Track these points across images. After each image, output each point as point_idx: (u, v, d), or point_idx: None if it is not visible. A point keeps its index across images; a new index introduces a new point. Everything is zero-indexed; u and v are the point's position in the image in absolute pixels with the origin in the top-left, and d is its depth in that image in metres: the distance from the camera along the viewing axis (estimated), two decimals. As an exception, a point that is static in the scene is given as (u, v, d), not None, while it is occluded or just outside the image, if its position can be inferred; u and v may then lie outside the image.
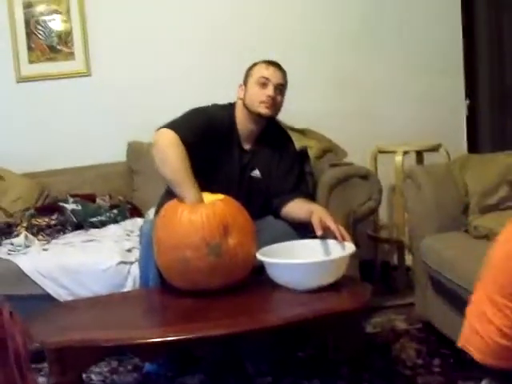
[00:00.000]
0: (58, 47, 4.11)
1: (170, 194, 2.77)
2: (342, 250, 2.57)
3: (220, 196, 2.65)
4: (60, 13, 4.10)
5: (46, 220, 3.52)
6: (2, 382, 1.33)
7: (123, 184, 4.01)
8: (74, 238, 3.45)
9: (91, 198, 3.77)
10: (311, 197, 3.16)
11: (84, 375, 2.59)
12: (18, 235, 3.38)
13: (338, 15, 4.30)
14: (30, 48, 4.08)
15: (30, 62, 4.09)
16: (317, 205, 2.94)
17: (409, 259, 3.79)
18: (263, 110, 2.92)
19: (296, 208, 2.90)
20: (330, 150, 3.78)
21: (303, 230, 2.79)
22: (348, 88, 4.31)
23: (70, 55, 4.12)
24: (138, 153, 3.99)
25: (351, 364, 2.57)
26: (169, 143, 2.70)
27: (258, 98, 2.91)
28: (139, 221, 3.58)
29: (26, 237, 3.36)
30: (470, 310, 1.75)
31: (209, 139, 2.84)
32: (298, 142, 3.35)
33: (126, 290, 3.01)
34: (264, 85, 2.92)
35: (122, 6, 4.14)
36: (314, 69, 4.24)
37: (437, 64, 4.35)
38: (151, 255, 2.64)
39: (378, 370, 2.85)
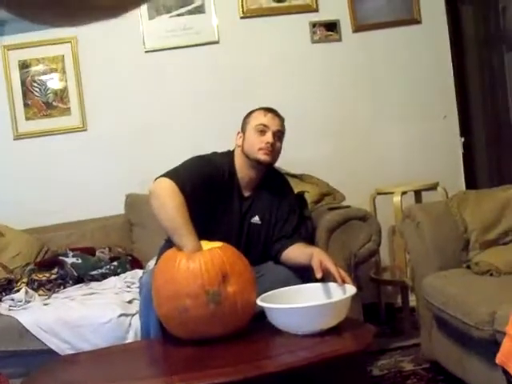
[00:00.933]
0: (54, 103, 4.16)
1: (169, 244, 2.76)
2: (342, 292, 2.55)
3: (218, 243, 2.64)
4: (55, 70, 4.16)
5: (47, 275, 3.51)
6: None
7: (122, 236, 4.01)
8: (75, 291, 3.43)
9: (91, 252, 3.77)
10: (311, 241, 3.15)
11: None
12: (18, 291, 3.36)
13: (332, 64, 4.37)
14: (26, 105, 4.13)
15: (27, 118, 4.14)
16: (317, 248, 2.92)
17: (413, 300, 3.77)
18: (262, 156, 2.93)
19: (296, 252, 2.89)
20: (327, 193, 3.79)
21: (304, 274, 2.77)
22: (344, 132, 4.35)
23: (66, 111, 4.17)
24: (136, 205, 4.00)
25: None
26: (166, 192, 2.69)
27: (257, 144, 2.92)
28: (140, 272, 3.57)
29: (27, 292, 3.34)
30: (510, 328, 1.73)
31: (209, 187, 2.84)
32: (296, 188, 3.36)
33: (127, 342, 2.97)
34: (263, 132, 2.94)
35: (115, 63, 4.21)
36: (309, 114, 4.28)
37: (430, 105, 4.39)
38: (151, 305, 2.62)
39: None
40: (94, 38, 4.14)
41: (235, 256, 2.59)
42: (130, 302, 3.17)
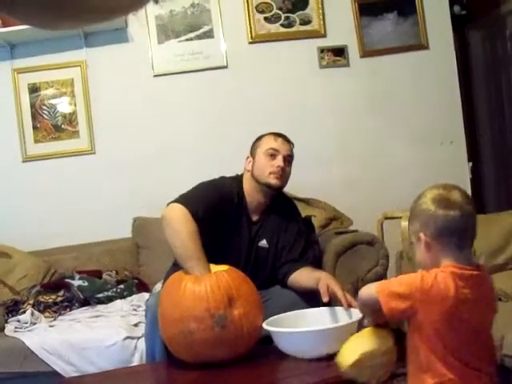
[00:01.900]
0: (63, 126, 4.18)
1: (176, 268, 2.75)
2: (349, 316, 2.53)
3: (224, 266, 2.64)
4: (65, 94, 4.19)
5: (53, 297, 3.50)
6: None
7: (129, 259, 4.00)
8: (81, 314, 3.42)
9: (97, 274, 3.76)
10: (318, 265, 3.14)
11: None
12: (24, 312, 3.35)
13: (340, 89, 4.39)
14: (35, 128, 4.16)
15: (36, 141, 4.15)
16: (324, 272, 2.91)
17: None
18: (273, 180, 2.93)
19: (303, 276, 2.88)
20: (335, 218, 3.79)
21: (311, 298, 2.76)
22: (351, 157, 4.36)
23: (75, 134, 4.19)
24: (144, 228, 4.00)
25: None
26: (178, 218, 2.69)
27: (268, 169, 2.94)
28: (146, 295, 3.56)
29: (33, 314, 3.34)
30: None
31: (219, 213, 2.84)
32: (303, 212, 3.36)
33: (133, 364, 2.96)
34: (273, 156, 2.95)
35: (124, 87, 4.24)
36: (317, 138, 4.29)
37: (438, 130, 4.39)
38: (157, 328, 2.61)
39: None
40: (104, 62, 4.19)
41: (241, 279, 2.58)
42: (135, 325, 3.17)
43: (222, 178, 3.05)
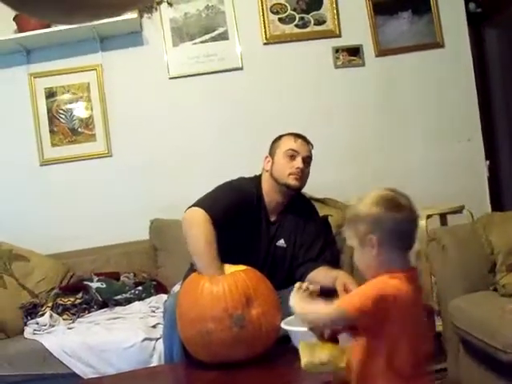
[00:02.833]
0: (80, 130, 4.20)
1: (194, 269, 2.76)
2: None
3: (242, 267, 2.64)
4: (81, 97, 4.21)
5: (71, 299, 3.52)
6: None
7: (147, 261, 4.01)
8: (99, 316, 3.44)
9: (115, 277, 3.78)
10: (336, 265, 3.13)
11: None
12: (43, 315, 3.37)
13: (356, 88, 4.38)
14: (52, 131, 4.18)
15: (53, 145, 4.18)
16: (341, 271, 2.90)
17: (439, 324, 3.71)
18: (292, 181, 2.94)
19: (321, 275, 2.87)
20: (352, 217, 3.77)
21: (328, 297, 2.75)
22: (368, 156, 4.35)
23: (92, 137, 4.21)
24: (161, 230, 4.01)
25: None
26: (197, 223, 2.71)
27: (287, 169, 2.94)
28: (164, 297, 3.57)
29: (51, 316, 3.36)
30: None
31: (238, 214, 2.84)
32: (320, 212, 3.35)
33: (151, 365, 2.97)
34: (292, 157, 2.95)
35: (139, 89, 4.26)
36: (333, 138, 4.28)
37: (455, 128, 4.37)
38: (175, 329, 2.61)
39: None
40: (119, 66, 4.21)
41: (259, 279, 2.58)
42: (154, 326, 3.18)
43: (241, 178, 3.06)
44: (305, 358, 1.94)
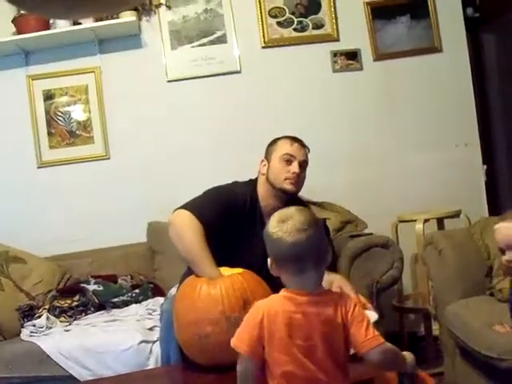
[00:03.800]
0: (78, 132, 4.21)
1: (191, 271, 2.75)
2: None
3: (239, 270, 2.63)
4: (79, 100, 4.22)
5: (68, 301, 3.52)
6: None
7: (144, 264, 4.02)
8: (96, 318, 3.44)
9: (113, 279, 3.78)
10: (333, 268, 3.12)
11: None
12: (39, 317, 3.37)
13: (353, 92, 4.40)
14: (50, 134, 4.19)
15: (51, 147, 4.19)
16: (338, 275, 2.90)
17: (436, 328, 3.72)
18: (288, 186, 2.93)
19: (317, 279, 2.86)
20: (349, 221, 3.78)
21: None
22: (366, 159, 4.36)
23: (90, 139, 4.21)
24: (159, 233, 4.00)
25: None
26: (184, 224, 2.70)
27: (283, 174, 2.93)
28: (161, 300, 3.56)
29: (48, 318, 3.36)
30: None
31: (230, 217, 2.83)
32: (318, 215, 3.35)
33: (148, 368, 2.97)
34: (289, 161, 2.95)
35: (138, 92, 4.27)
36: (331, 142, 4.29)
37: (453, 133, 4.38)
38: (172, 332, 2.61)
39: None
40: (117, 68, 4.22)
41: (256, 282, 2.57)
42: (151, 328, 3.18)
43: (234, 183, 3.05)
44: None
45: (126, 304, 3.61)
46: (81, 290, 3.62)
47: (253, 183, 3.05)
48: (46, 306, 3.46)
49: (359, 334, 1.79)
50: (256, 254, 2.92)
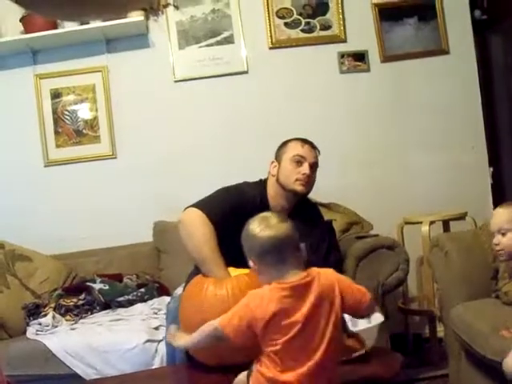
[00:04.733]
0: (84, 131, 4.22)
1: (198, 271, 2.75)
2: (368, 321, 2.52)
3: (245, 270, 2.63)
4: (86, 99, 4.23)
5: (74, 300, 3.53)
6: None
7: (150, 263, 4.03)
8: (102, 317, 3.44)
9: (118, 278, 3.79)
10: (339, 269, 3.13)
11: None
12: (45, 315, 3.38)
13: (361, 94, 4.39)
14: (57, 133, 4.20)
15: (57, 146, 4.20)
16: (343, 276, 2.90)
17: (441, 330, 3.72)
18: (299, 187, 2.93)
19: (323, 280, 2.86)
20: (355, 222, 3.78)
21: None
22: (372, 161, 4.36)
23: (96, 139, 4.22)
24: (164, 232, 4.02)
25: None
26: (195, 222, 2.70)
27: (294, 175, 2.93)
28: (167, 299, 3.56)
29: (54, 317, 3.36)
30: None
31: (240, 216, 2.82)
32: (324, 216, 3.35)
33: (153, 367, 2.97)
34: (299, 163, 2.95)
35: (145, 92, 4.27)
36: (338, 143, 4.29)
37: (459, 135, 4.38)
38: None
39: None
40: (125, 68, 4.23)
41: (262, 282, 2.57)
42: (156, 328, 3.18)
43: (244, 183, 3.04)
44: None
45: (131, 303, 3.62)
46: (86, 289, 3.63)
47: (262, 184, 3.05)
48: (52, 305, 3.47)
49: (353, 294, 2.07)
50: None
